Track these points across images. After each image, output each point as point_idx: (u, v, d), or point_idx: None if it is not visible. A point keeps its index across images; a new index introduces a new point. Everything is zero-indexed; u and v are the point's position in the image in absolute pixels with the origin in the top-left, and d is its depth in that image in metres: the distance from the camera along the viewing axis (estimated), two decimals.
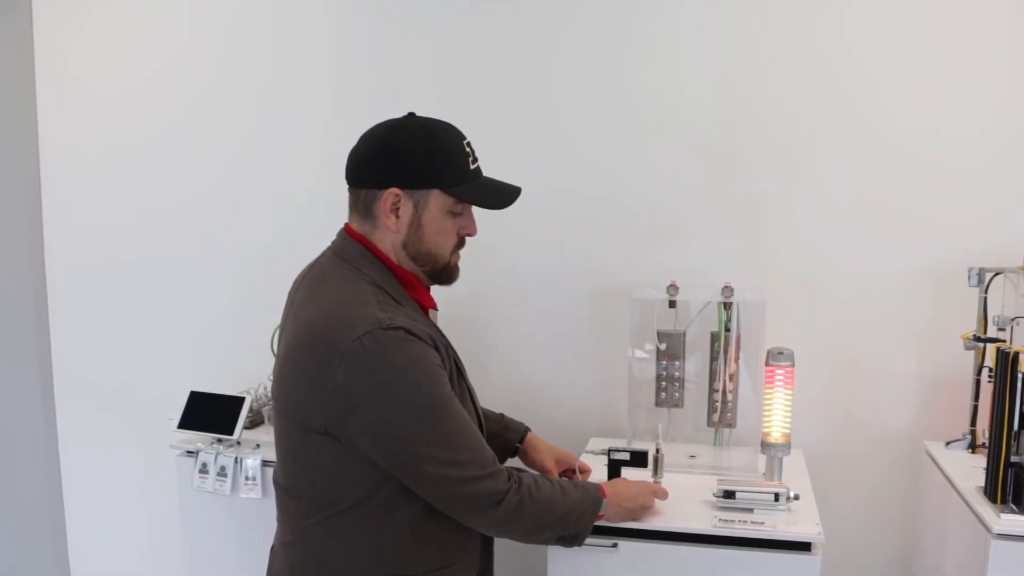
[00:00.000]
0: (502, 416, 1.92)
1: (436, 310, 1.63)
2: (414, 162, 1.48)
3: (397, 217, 1.49)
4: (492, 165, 2.42)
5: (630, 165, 2.39)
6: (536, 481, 1.53)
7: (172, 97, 2.67)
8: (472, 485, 1.44)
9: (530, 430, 1.93)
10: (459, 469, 1.43)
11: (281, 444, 1.54)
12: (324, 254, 1.57)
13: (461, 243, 1.58)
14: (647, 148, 2.37)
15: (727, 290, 2.09)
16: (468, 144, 1.55)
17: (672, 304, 2.16)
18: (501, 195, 1.56)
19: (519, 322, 2.50)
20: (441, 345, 1.49)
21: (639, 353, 2.21)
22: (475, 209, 1.58)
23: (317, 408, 1.41)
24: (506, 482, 1.47)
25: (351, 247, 1.52)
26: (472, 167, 1.54)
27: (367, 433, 1.40)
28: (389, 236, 1.51)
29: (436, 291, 1.67)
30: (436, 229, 1.51)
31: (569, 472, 1.88)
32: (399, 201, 1.48)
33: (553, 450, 1.90)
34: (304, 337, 1.44)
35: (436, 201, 1.49)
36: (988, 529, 1.66)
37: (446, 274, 1.57)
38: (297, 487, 1.49)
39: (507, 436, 1.88)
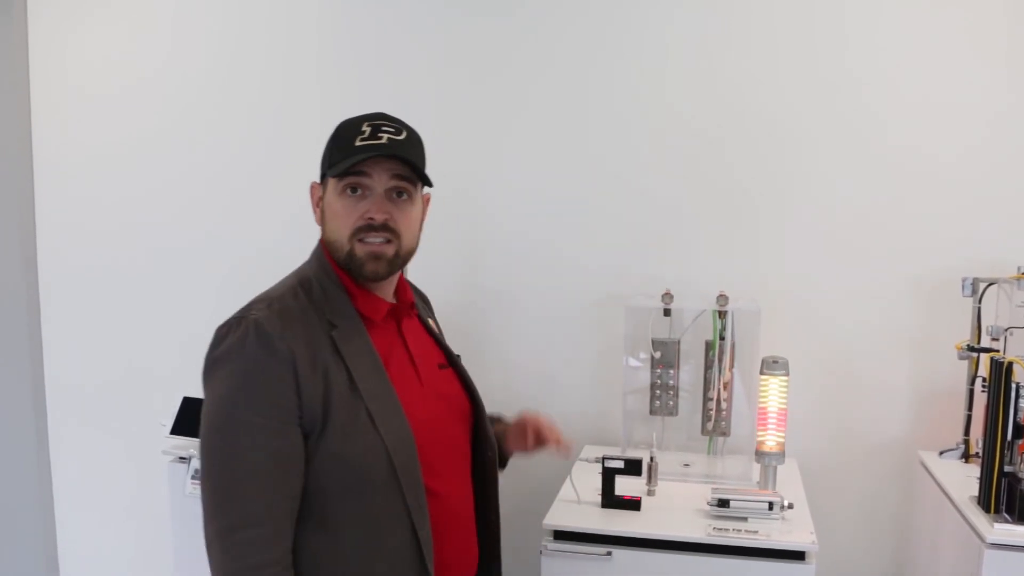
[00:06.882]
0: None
1: (375, 319, 1.41)
2: (323, 154, 1.44)
3: (321, 210, 1.43)
4: (486, 173, 2.45)
5: (626, 175, 2.39)
6: None
7: (164, 103, 2.67)
8: (219, 539, 1.24)
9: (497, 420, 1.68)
10: (213, 510, 1.26)
11: None
12: None
13: (367, 230, 1.37)
14: (644, 158, 2.38)
15: (722, 299, 2.10)
16: (372, 124, 1.39)
17: (667, 312, 2.17)
18: (355, 154, 1.35)
19: (514, 330, 2.49)
20: (319, 356, 1.32)
21: (633, 361, 2.21)
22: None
23: None
24: (263, 567, 1.23)
25: (316, 246, 1.47)
26: (359, 143, 1.36)
27: None
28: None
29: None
30: (331, 214, 1.40)
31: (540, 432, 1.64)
32: (318, 193, 1.44)
33: (503, 427, 1.66)
34: None
35: (329, 185, 1.40)
36: (982, 538, 1.66)
37: (354, 265, 1.38)
38: None
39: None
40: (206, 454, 1.28)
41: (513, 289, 2.48)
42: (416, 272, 2.27)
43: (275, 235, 2.61)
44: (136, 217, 2.72)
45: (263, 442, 1.26)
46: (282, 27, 2.57)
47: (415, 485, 1.33)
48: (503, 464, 1.69)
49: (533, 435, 1.62)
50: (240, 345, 1.29)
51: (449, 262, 2.47)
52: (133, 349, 2.77)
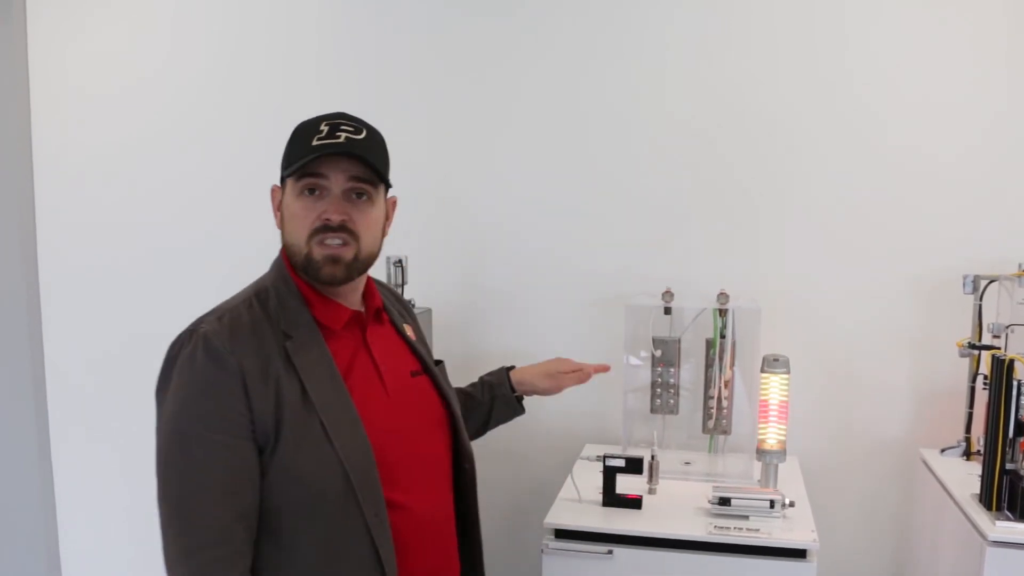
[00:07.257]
0: (482, 382, 1.79)
1: (334, 327, 1.38)
2: (283, 156, 1.41)
3: (281, 214, 1.41)
4: (486, 173, 2.45)
5: (627, 175, 2.39)
6: None
7: (164, 103, 2.66)
8: (180, 562, 1.22)
9: (510, 369, 1.80)
10: (171, 530, 1.24)
11: None
12: None
13: (324, 231, 1.34)
14: (644, 158, 2.38)
15: (722, 297, 2.10)
16: (330, 123, 1.36)
17: (667, 311, 2.17)
18: (311, 153, 1.32)
19: (514, 330, 2.49)
20: (271, 368, 1.29)
21: (634, 360, 2.21)
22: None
23: None
24: None
25: (278, 254, 1.45)
26: (316, 142, 1.32)
27: None
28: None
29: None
30: (288, 216, 1.37)
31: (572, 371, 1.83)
32: (278, 196, 1.41)
33: (539, 371, 1.80)
34: None
35: (287, 187, 1.38)
36: (983, 536, 1.66)
37: (312, 268, 1.35)
38: None
39: (500, 393, 1.75)
40: (161, 471, 1.26)
41: (513, 289, 2.48)
42: (416, 272, 2.29)
43: (275, 235, 2.60)
44: (136, 217, 2.72)
45: (217, 457, 1.24)
46: (282, 27, 2.57)
47: (374, 499, 1.29)
48: (519, 403, 1.78)
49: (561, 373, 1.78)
50: (190, 360, 1.28)
51: (449, 262, 2.47)
52: (133, 349, 2.77)
